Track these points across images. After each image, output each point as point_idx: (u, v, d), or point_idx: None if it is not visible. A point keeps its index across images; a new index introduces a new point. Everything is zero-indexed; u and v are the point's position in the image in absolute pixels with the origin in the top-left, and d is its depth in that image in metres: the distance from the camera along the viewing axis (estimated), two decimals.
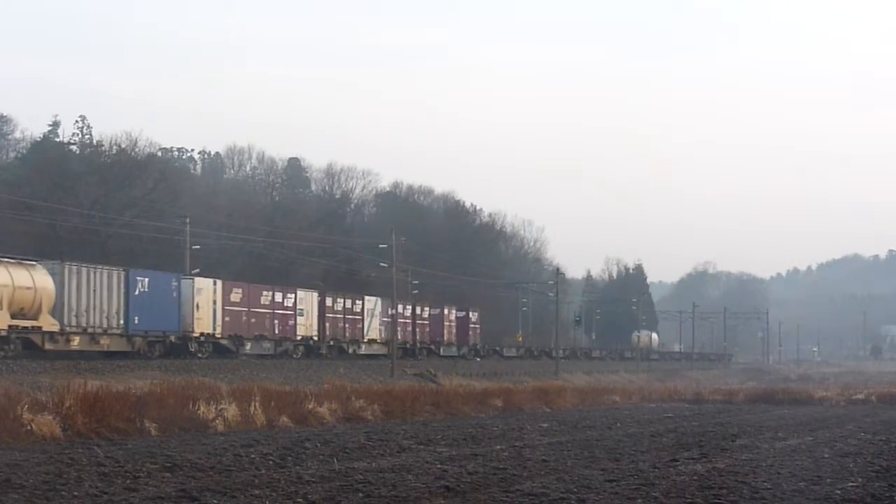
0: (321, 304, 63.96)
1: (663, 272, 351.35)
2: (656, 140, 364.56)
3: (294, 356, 59.97)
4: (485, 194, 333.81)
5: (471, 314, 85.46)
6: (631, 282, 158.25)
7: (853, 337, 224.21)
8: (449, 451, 21.72)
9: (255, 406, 28.65)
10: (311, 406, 31.28)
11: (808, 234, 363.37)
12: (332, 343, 65.08)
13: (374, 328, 69.45)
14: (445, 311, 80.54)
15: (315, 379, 46.17)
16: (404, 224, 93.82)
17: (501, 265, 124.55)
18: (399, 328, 68.66)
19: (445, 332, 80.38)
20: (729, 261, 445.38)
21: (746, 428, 31.65)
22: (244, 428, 27.09)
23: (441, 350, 79.05)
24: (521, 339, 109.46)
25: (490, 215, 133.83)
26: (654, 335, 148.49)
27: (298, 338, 61.22)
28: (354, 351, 67.12)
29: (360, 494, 14.49)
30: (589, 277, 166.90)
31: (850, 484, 16.55)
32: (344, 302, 66.79)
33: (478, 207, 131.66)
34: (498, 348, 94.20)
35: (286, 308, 60.33)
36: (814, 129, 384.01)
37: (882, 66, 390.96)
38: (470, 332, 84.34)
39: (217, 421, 26.87)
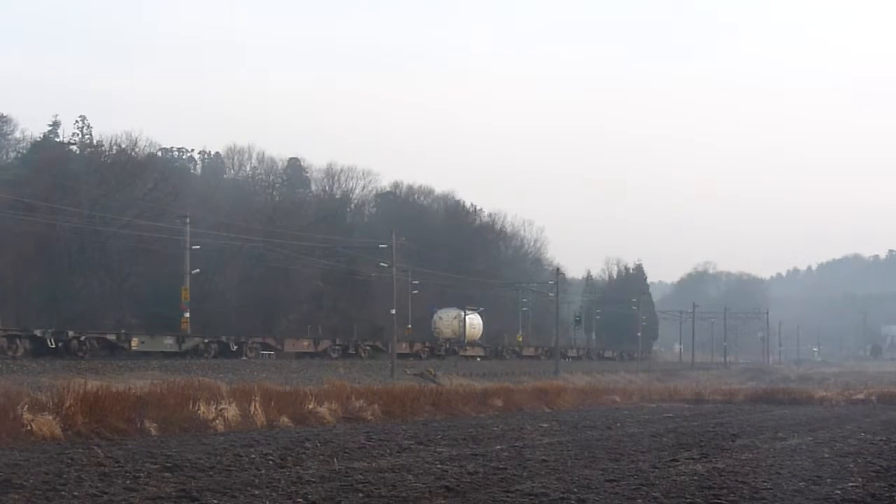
0: None
1: (663, 272, 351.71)
2: (656, 140, 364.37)
3: None
4: (485, 194, 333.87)
5: None
6: (631, 282, 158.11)
7: (853, 337, 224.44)
8: (449, 451, 21.68)
9: (255, 406, 28.65)
10: (311, 406, 31.29)
11: (808, 234, 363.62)
12: None
13: None
14: None
15: (315, 379, 46.25)
16: (404, 224, 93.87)
17: (501, 265, 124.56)
18: None
19: None
20: (729, 261, 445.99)
21: (746, 428, 31.63)
22: (244, 428, 27.07)
23: None
24: (521, 339, 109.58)
25: (490, 215, 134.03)
26: (476, 319, 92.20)
27: None
28: None
29: (360, 494, 14.46)
30: (589, 277, 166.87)
31: (850, 484, 16.53)
32: None
33: (478, 207, 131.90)
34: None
35: None
36: (814, 128, 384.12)
37: (882, 67, 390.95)
38: None
39: (217, 421, 26.84)
